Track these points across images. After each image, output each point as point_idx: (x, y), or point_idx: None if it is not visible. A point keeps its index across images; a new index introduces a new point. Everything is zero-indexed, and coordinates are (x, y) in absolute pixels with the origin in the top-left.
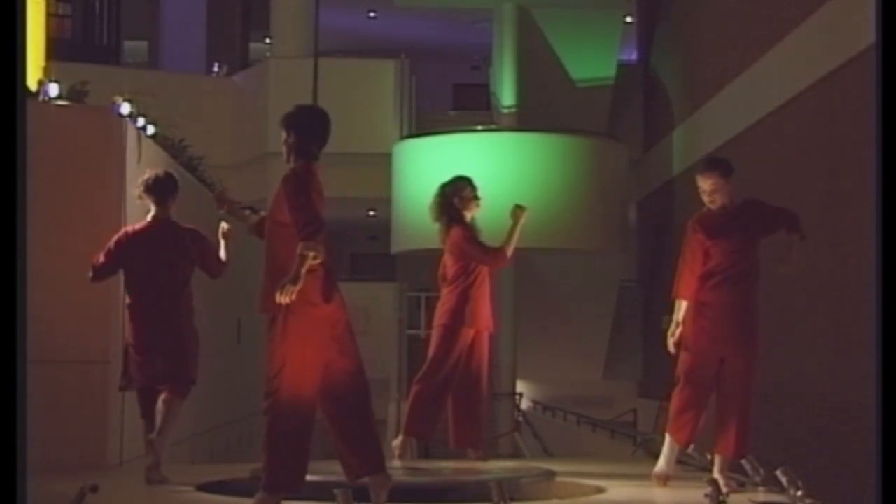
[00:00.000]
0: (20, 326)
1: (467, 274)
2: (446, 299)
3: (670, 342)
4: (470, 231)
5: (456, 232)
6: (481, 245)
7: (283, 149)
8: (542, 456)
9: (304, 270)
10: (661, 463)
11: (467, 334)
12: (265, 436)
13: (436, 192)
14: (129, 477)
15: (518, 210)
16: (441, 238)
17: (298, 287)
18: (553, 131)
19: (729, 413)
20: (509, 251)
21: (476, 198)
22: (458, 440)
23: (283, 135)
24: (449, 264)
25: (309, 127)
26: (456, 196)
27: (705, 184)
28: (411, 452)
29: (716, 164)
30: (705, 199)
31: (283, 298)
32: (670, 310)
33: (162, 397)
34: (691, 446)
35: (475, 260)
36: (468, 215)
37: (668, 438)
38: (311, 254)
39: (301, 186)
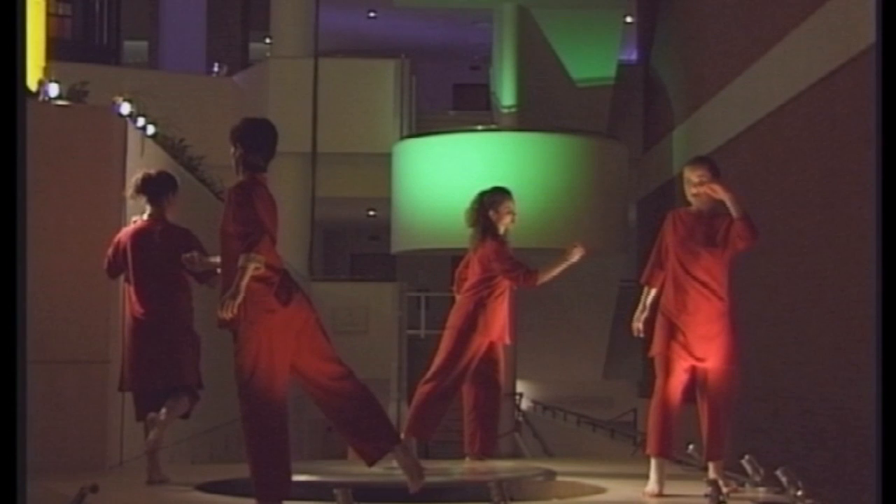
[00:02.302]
0: (20, 326)
1: (489, 284)
2: (462, 303)
3: (635, 325)
4: (503, 246)
5: (490, 245)
6: (512, 262)
7: (232, 162)
8: (542, 456)
9: (244, 283)
10: (650, 483)
11: (480, 342)
12: (247, 447)
13: (473, 199)
14: (129, 477)
15: (574, 248)
16: (472, 244)
17: (239, 300)
18: (553, 131)
19: (704, 416)
20: (542, 279)
21: (512, 212)
22: (473, 447)
23: (231, 148)
24: (474, 270)
25: (254, 140)
26: (492, 208)
27: (693, 175)
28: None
29: (705, 158)
30: (691, 191)
31: (224, 313)
32: None
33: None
34: (690, 446)
35: (503, 275)
36: (502, 227)
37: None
38: (252, 265)
39: (244, 199)
